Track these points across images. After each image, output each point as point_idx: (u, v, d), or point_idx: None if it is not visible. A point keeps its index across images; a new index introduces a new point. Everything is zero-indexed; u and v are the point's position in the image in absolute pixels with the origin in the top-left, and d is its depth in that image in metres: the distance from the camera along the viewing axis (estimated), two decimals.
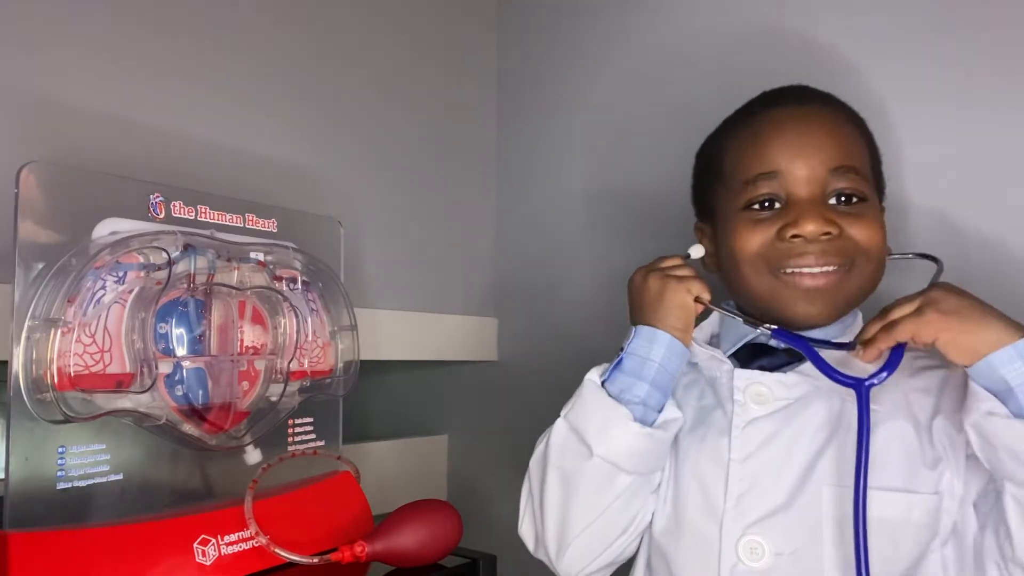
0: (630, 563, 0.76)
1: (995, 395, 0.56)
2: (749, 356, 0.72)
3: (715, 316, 0.78)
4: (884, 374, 0.62)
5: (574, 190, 1.19)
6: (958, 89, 0.83)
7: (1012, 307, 0.76)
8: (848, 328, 0.71)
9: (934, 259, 0.72)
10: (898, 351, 0.62)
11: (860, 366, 0.64)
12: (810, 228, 0.65)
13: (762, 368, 0.70)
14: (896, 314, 0.61)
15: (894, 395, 0.66)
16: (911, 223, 0.84)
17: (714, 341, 0.77)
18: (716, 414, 0.70)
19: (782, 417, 0.67)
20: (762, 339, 0.72)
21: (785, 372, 0.69)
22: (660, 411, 0.68)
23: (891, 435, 0.64)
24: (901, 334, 0.59)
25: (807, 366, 0.67)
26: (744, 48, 0.99)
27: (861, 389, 0.62)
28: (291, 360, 0.80)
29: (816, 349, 0.65)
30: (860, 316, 0.72)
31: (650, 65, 1.11)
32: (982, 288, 0.77)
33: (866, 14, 0.89)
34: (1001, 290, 0.78)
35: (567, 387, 1.15)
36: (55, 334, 0.63)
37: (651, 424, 0.67)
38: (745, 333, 0.73)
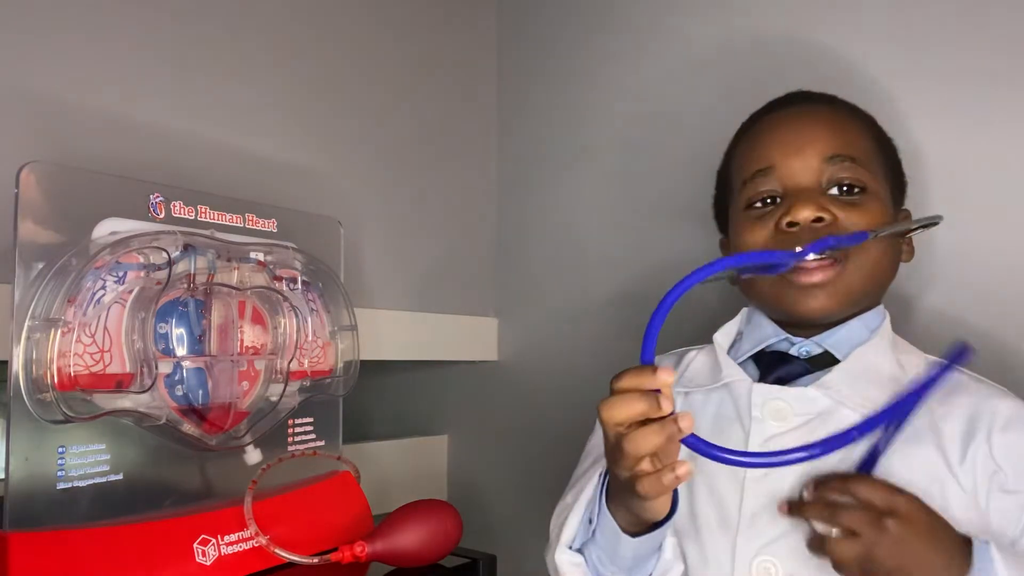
0: None
1: None
2: (769, 362, 0.70)
3: (743, 313, 0.76)
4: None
5: (574, 190, 1.19)
6: (970, 89, 0.83)
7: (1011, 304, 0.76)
8: (874, 331, 0.68)
9: (937, 218, 0.68)
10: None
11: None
12: (804, 213, 0.65)
13: (780, 380, 0.68)
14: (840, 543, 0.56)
15: (919, 417, 0.62)
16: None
17: (738, 338, 0.75)
18: (734, 428, 0.68)
19: (801, 435, 0.64)
20: (783, 345, 0.70)
21: (806, 385, 0.67)
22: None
23: (910, 461, 0.61)
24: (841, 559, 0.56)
25: (828, 378, 0.65)
26: (749, 53, 0.99)
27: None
28: (291, 360, 0.80)
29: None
30: (887, 319, 0.70)
31: (650, 67, 1.11)
32: (982, 285, 0.77)
33: (879, 19, 0.89)
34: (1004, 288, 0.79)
35: (567, 387, 1.16)
36: (55, 334, 0.63)
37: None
38: (767, 336, 0.71)
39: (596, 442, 0.79)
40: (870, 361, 0.66)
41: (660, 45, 1.10)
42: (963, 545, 0.56)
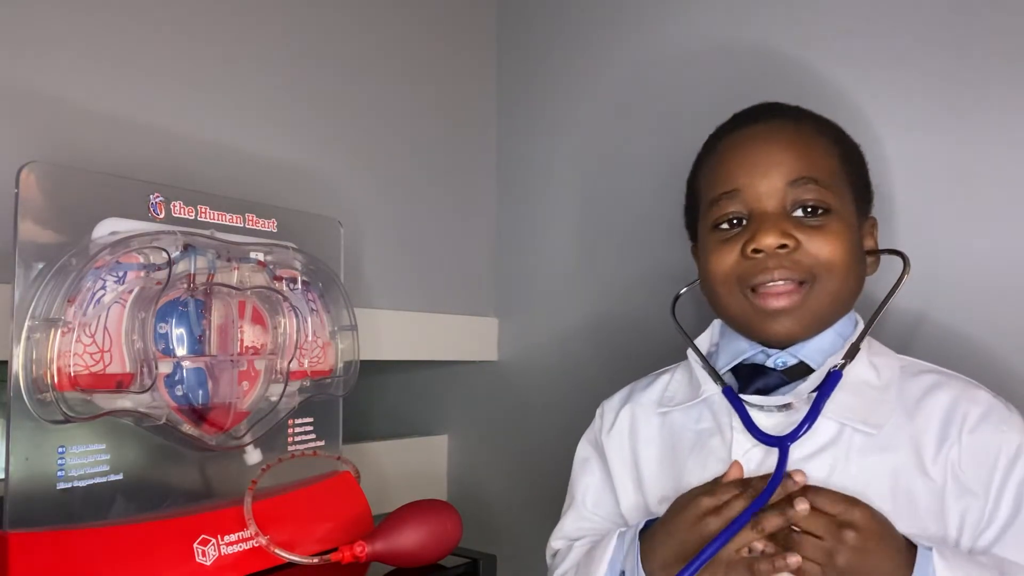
0: None
1: None
2: (746, 375, 0.71)
3: (716, 325, 0.77)
4: (804, 427, 0.63)
5: (574, 190, 1.19)
6: (941, 99, 0.83)
7: (981, 306, 0.78)
8: (847, 339, 0.69)
9: (901, 255, 0.71)
10: (818, 403, 0.63)
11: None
12: (767, 240, 0.65)
13: (758, 391, 0.69)
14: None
15: (896, 419, 0.64)
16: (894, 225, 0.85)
17: (712, 350, 0.76)
18: (714, 440, 0.69)
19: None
20: (759, 357, 0.71)
21: (784, 394, 0.68)
22: None
23: (882, 468, 0.63)
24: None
25: (804, 387, 0.66)
26: (742, 63, 1.00)
27: (782, 447, 0.63)
28: (291, 360, 0.80)
29: (750, 412, 0.66)
30: (860, 325, 0.71)
31: (649, 71, 1.11)
32: (950, 292, 0.77)
33: (853, 29, 0.89)
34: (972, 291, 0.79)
35: (567, 387, 1.16)
36: (55, 334, 0.63)
37: None
38: (743, 350, 0.72)
39: (583, 482, 0.79)
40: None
41: (660, 51, 1.10)
42: (908, 551, 0.59)
